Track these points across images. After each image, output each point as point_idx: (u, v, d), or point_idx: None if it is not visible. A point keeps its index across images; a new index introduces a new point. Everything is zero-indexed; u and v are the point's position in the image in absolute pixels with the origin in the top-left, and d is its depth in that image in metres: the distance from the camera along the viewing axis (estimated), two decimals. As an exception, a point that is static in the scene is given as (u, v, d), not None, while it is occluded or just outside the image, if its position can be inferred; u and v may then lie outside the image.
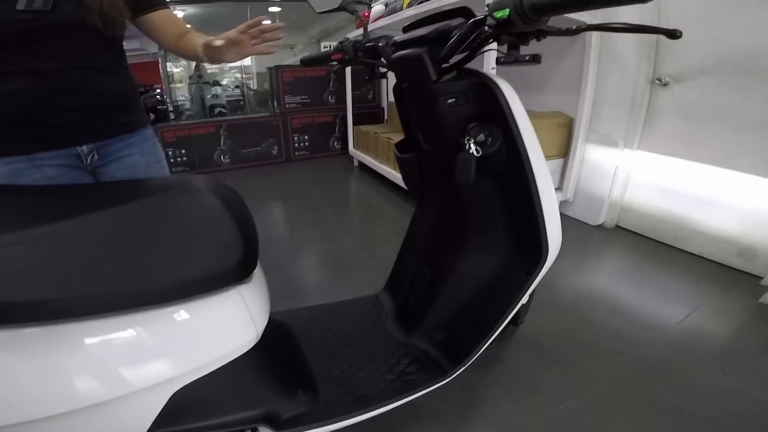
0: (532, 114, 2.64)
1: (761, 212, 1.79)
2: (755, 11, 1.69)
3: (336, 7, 0.97)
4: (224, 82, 7.53)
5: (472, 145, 0.74)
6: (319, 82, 4.39)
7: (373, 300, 1.22)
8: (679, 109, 2.06)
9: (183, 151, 4.02)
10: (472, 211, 0.89)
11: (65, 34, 0.81)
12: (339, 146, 4.66)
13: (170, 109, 5.89)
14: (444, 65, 0.75)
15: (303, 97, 4.36)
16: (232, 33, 0.84)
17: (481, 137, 0.75)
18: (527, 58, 0.65)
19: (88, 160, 0.93)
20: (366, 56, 0.98)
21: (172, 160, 4.01)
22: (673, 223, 2.14)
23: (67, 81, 0.84)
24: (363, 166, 3.92)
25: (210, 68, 7.72)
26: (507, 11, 0.56)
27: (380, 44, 0.91)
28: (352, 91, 4.04)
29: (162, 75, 4.52)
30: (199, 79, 6.90)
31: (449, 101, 0.75)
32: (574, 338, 1.43)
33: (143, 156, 1.01)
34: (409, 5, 2.64)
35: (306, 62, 1.12)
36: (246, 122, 4.28)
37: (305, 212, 2.91)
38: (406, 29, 0.90)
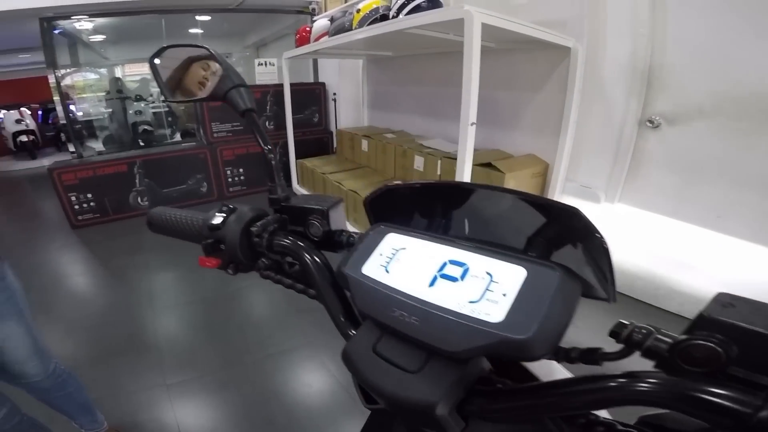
0: (504, 156, 2.15)
1: (747, 279, 1.61)
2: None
3: None
4: (150, 96, 6.67)
5: None
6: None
7: None
8: (670, 158, 1.79)
9: (89, 195, 3.37)
10: None
11: None
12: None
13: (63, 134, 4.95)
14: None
15: (234, 124, 3.78)
16: None
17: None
18: None
19: None
20: (275, 267, 0.49)
21: (76, 207, 3.34)
22: (652, 281, 1.93)
23: None
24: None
25: (130, 80, 6.82)
26: None
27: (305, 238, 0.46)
28: (294, 114, 3.50)
29: (54, 93, 3.72)
30: (118, 94, 6.05)
31: None
32: None
33: None
34: (362, 23, 2.14)
35: (155, 228, 0.57)
36: (166, 157, 3.63)
37: (242, 281, 2.42)
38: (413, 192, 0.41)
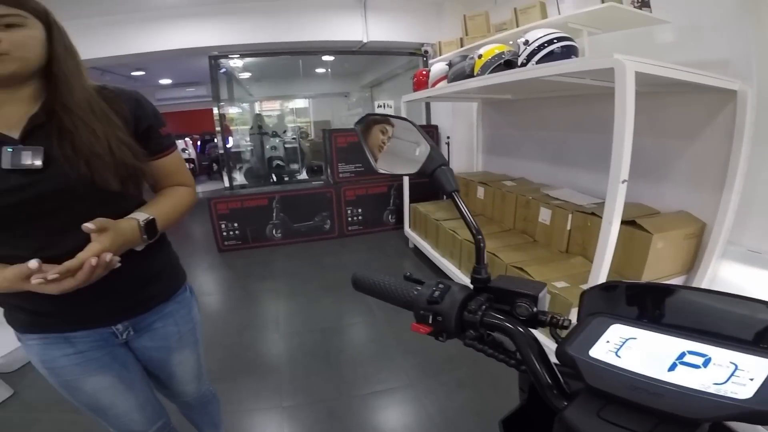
0: (649, 213, 1.89)
1: None
2: None
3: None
4: (283, 132, 7.54)
5: None
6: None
7: None
8: None
9: (235, 225, 3.90)
10: None
11: (70, 202, 0.74)
12: (393, 220, 4.27)
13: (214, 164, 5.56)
14: None
15: (357, 165, 4.07)
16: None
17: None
18: None
19: (123, 336, 0.93)
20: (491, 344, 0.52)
21: (224, 233, 3.90)
22: None
23: None
24: (419, 250, 3.43)
25: (269, 115, 7.80)
26: None
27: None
28: (410, 157, 3.64)
29: (217, 125, 4.37)
30: (259, 130, 6.96)
31: None
32: None
33: (177, 326, 1.01)
34: (485, 69, 2.13)
35: (361, 288, 0.64)
36: (299, 194, 4.06)
37: (355, 317, 2.56)
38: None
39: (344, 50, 4.50)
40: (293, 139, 7.09)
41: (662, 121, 2.01)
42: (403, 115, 3.32)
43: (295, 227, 4.02)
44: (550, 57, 1.76)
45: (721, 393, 0.31)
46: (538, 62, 1.80)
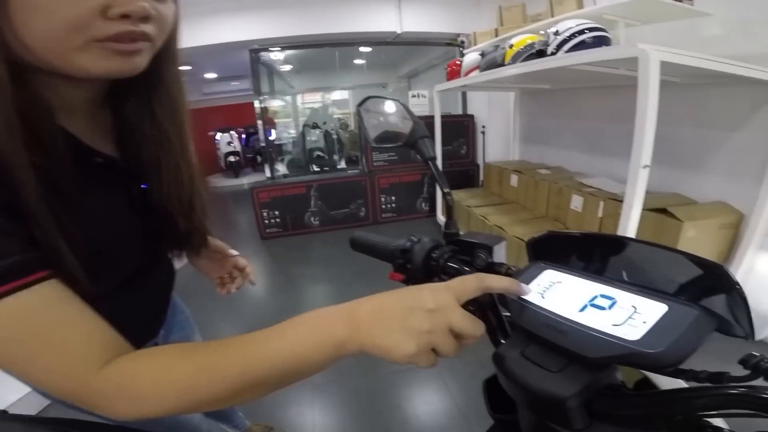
0: (684, 202, 1.92)
1: None
2: None
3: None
4: (323, 123, 7.70)
5: None
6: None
7: None
8: None
9: (276, 212, 4.11)
10: None
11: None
12: (426, 208, 4.33)
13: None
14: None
15: (390, 154, 4.17)
16: (225, 256, 0.88)
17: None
18: None
19: (160, 343, 0.83)
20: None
21: (266, 221, 4.13)
22: None
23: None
24: (452, 236, 3.49)
25: (308, 107, 7.97)
26: None
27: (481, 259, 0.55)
28: (443, 145, 3.68)
29: (258, 117, 4.53)
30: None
31: None
32: None
33: (183, 313, 0.96)
34: (516, 58, 2.15)
35: (356, 247, 0.75)
36: (336, 182, 4.22)
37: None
38: None
39: (379, 41, 4.55)
40: (333, 130, 7.22)
41: (704, 111, 1.97)
42: (437, 105, 3.39)
43: (331, 214, 4.19)
44: (581, 46, 1.75)
45: (615, 333, 0.33)
46: (567, 51, 1.80)
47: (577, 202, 2.33)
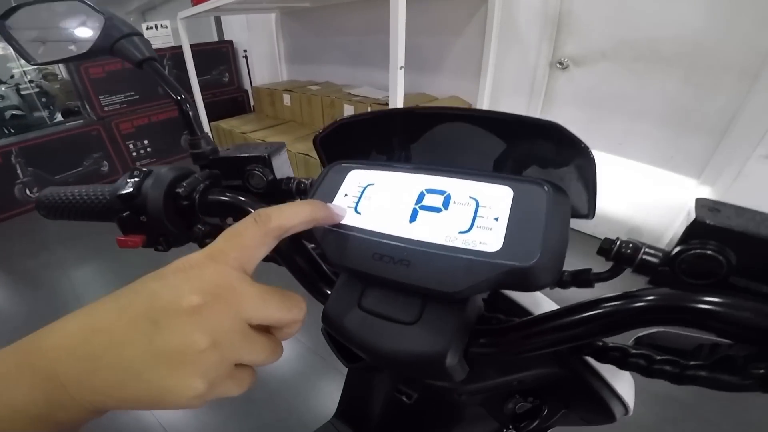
0: (429, 99, 2.28)
1: (647, 196, 1.87)
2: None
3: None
4: (10, 77, 5.56)
5: None
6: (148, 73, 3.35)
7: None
8: (577, 96, 1.94)
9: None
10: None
11: None
12: (195, 143, 3.74)
13: None
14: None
15: (128, 94, 3.31)
16: None
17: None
18: None
19: None
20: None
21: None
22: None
23: None
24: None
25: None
26: None
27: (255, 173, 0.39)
28: (200, 76, 3.14)
29: None
30: None
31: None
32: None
33: None
34: None
35: (50, 212, 0.46)
36: (48, 140, 3.06)
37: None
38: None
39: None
40: (32, 83, 5.38)
41: (436, 21, 2.26)
42: (183, 35, 2.82)
43: (58, 179, 3.11)
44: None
45: (469, 246, 0.24)
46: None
47: (349, 111, 2.42)
